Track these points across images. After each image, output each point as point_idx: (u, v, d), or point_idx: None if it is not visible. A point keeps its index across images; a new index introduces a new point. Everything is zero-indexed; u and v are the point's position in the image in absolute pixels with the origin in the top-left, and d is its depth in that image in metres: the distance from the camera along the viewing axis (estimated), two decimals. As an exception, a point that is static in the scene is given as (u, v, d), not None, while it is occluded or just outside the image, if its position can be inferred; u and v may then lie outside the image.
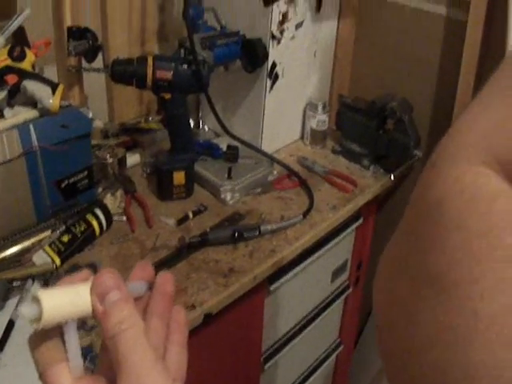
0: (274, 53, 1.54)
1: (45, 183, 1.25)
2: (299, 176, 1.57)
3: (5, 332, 1.03)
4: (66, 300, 0.44)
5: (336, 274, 1.77)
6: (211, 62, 1.41)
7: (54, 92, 1.23)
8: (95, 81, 1.58)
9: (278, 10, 1.49)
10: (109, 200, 1.39)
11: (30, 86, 1.23)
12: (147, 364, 0.44)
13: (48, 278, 1.17)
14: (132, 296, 0.48)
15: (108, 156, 1.44)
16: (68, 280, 0.47)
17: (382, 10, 1.70)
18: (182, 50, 1.40)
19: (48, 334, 0.45)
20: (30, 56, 1.27)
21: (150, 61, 1.34)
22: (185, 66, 1.37)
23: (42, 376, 0.45)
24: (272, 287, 1.44)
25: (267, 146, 1.65)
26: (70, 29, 1.43)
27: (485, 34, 1.43)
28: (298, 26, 1.58)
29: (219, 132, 1.68)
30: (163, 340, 0.49)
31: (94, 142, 1.44)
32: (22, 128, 1.19)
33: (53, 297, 0.43)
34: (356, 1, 1.73)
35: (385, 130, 1.62)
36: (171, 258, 1.26)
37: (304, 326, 1.70)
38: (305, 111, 1.76)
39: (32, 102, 1.25)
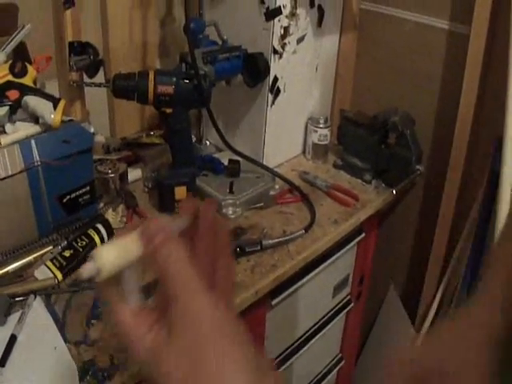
0: (276, 67, 1.54)
1: (46, 198, 1.25)
2: (301, 190, 1.57)
3: (6, 347, 1.02)
4: (118, 251, 0.51)
5: (338, 288, 1.76)
6: (213, 77, 1.41)
7: (55, 107, 1.23)
8: (97, 96, 1.58)
9: (279, 24, 1.49)
10: (110, 215, 1.39)
11: (32, 101, 1.23)
12: (194, 288, 0.50)
13: (50, 293, 1.16)
14: (176, 232, 0.55)
15: (110, 171, 1.43)
16: (122, 233, 0.54)
17: (383, 25, 1.70)
18: (184, 65, 1.40)
19: (111, 280, 0.52)
20: (32, 71, 1.27)
21: (151, 75, 1.34)
22: (186, 81, 1.36)
23: (111, 312, 0.53)
24: (274, 302, 1.43)
25: (269, 161, 1.65)
26: (71, 44, 1.44)
27: (487, 47, 1.43)
28: (300, 40, 1.58)
29: (221, 147, 1.68)
30: (211, 260, 0.58)
31: (95, 156, 1.44)
32: (24, 143, 1.18)
33: (107, 251, 0.50)
34: (357, 15, 1.74)
35: (387, 145, 1.62)
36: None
37: (305, 341, 1.69)
38: (306, 126, 1.76)
39: (33, 118, 1.25)
